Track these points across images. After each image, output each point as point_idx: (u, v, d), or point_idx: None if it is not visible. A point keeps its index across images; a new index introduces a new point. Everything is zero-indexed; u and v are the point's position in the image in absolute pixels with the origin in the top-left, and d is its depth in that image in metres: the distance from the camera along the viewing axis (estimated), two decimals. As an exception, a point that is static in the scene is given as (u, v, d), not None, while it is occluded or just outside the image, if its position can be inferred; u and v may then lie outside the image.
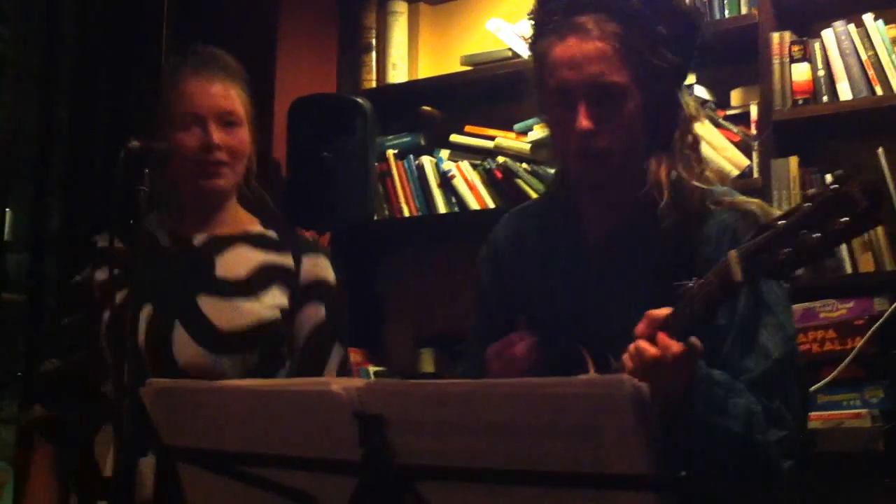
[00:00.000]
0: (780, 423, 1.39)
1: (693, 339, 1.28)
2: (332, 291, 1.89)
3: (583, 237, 1.58)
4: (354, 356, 3.11)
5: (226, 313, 1.77)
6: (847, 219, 1.10)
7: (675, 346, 1.26)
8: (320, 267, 1.88)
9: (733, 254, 1.22)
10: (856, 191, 1.10)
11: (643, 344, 1.28)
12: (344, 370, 1.87)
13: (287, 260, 1.85)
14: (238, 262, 1.83)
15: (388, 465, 1.11)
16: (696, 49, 1.54)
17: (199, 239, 1.85)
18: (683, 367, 1.28)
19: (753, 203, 1.49)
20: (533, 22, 1.55)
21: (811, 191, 1.16)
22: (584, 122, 1.44)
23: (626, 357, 1.30)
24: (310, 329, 1.84)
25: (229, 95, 1.81)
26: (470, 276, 3.28)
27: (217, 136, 1.77)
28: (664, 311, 1.29)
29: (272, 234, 1.89)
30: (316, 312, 1.85)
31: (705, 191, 1.50)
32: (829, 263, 2.53)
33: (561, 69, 1.47)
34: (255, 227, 1.89)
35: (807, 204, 1.14)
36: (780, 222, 1.17)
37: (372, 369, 3.15)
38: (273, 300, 1.80)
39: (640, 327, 1.30)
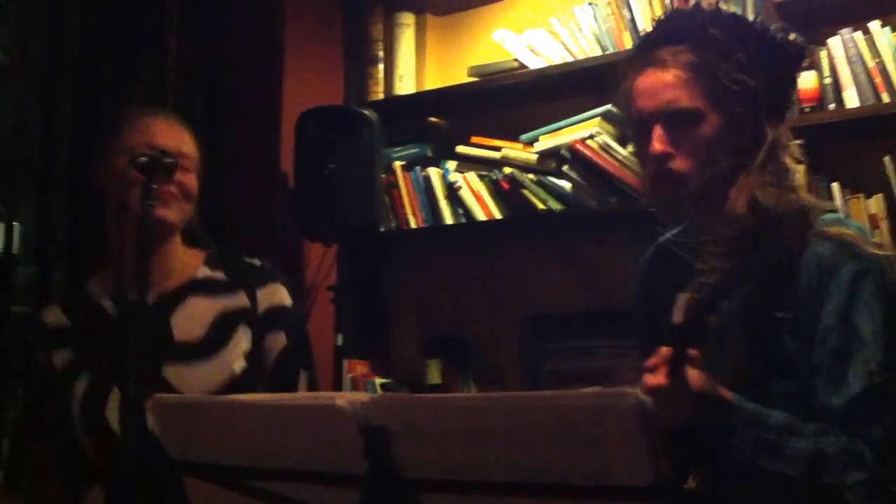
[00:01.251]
0: (862, 465, 1.33)
1: (688, 372, 1.27)
2: (291, 317, 1.88)
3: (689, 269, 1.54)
4: (361, 368, 3.13)
5: (193, 380, 1.74)
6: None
7: (655, 381, 1.27)
8: (277, 295, 1.86)
9: (683, 295, 1.25)
10: None
11: (646, 375, 1.30)
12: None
13: (242, 300, 1.83)
14: (193, 318, 1.80)
15: (394, 477, 1.11)
16: (788, 77, 1.57)
17: (151, 297, 1.77)
18: (678, 400, 1.27)
19: (849, 233, 1.46)
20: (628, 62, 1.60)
21: None
22: (656, 146, 1.48)
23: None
24: (274, 358, 1.83)
25: (186, 141, 1.83)
26: (477, 287, 3.31)
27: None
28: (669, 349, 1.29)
29: (220, 275, 1.87)
30: (277, 340, 1.84)
31: (805, 218, 1.48)
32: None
33: (639, 99, 1.53)
34: (202, 270, 1.87)
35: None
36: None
37: (378, 381, 3.15)
38: (237, 350, 1.78)
39: (650, 360, 1.31)
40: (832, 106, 2.64)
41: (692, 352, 1.29)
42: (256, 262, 1.91)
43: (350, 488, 1.14)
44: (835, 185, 2.61)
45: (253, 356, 1.79)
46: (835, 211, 1.62)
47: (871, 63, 2.60)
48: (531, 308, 3.19)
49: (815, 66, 2.67)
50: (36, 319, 1.93)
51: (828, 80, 2.65)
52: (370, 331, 3.39)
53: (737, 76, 1.47)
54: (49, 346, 1.84)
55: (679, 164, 1.49)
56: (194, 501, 1.31)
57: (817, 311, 1.39)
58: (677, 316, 1.24)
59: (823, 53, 2.67)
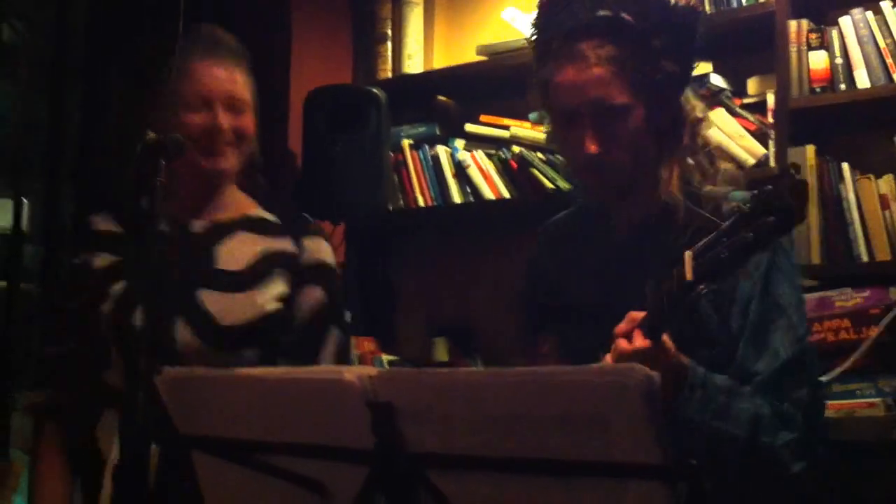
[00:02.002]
0: (790, 425, 1.43)
1: (664, 338, 1.33)
2: (333, 275, 1.88)
3: (609, 237, 1.65)
4: (368, 345, 3.13)
5: (227, 308, 1.75)
6: (773, 218, 1.14)
7: (643, 343, 1.32)
8: (321, 251, 1.87)
9: (688, 253, 1.27)
10: (784, 190, 1.14)
11: (621, 341, 1.34)
12: (342, 355, 1.86)
13: (288, 245, 1.84)
14: (239, 251, 1.82)
15: (400, 453, 1.11)
16: (696, 50, 1.60)
17: (198, 226, 1.83)
18: (655, 364, 1.27)
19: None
20: (533, 47, 1.65)
21: (755, 191, 1.19)
22: (591, 147, 1.53)
23: (608, 355, 1.37)
24: (307, 311, 1.83)
25: (237, 80, 1.80)
26: (484, 266, 3.31)
27: (224, 119, 1.76)
28: (642, 313, 1.35)
29: (272, 217, 1.88)
30: (314, 295, 1.84)
31: (719, 196, 1.55)
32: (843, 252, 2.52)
33: (564, 95, 1.56)
34: (255, 210, 1.88)
35: (746, 205, 1.18)
36: (724, 224, 1.22)
37: (385, 358, 3.16)
38: (275, 290, 1.79)
39: (621, 326, 1.36)
40: (843, 86, 2.62)
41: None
42: (308, 217, 1.95)
43: (357, 463, 1.15)
44: (845, 166, 2.59)
45: (288, 300, 1.80)
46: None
47: (882, 43, 2.58)
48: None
49: (826, 46, 2.65)
50: (81, 225, 1.93)
51: (839, 61, 2.64)
52: (378, 308, 3.40)
53: (659, 65, 1.53)
54: (91, 249, 1.85)
55: (611, 157, 1.54)
56: (202, 475, 1.32)
57: (736, 282, 1.45)
58: (688, 273, 1.25)
59: (835, 33, 2.65)
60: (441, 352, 3.21)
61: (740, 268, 1.22)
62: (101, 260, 1.83)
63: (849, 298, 2.37)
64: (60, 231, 3.14)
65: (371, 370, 1.12)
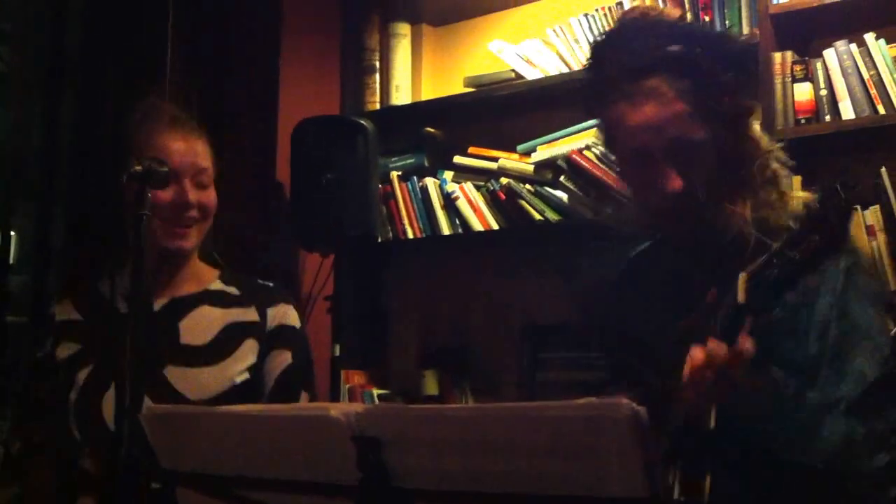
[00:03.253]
0: (886, 446, 1.37)
1: (741, 340, 1.26)
2: (299, 338, 1.88)
3: (680, 271, 1.59)
4: (358, 378, 3.12)
5: (194, 383, 1.75)
6: (817, 237, 1.14)
7: (721, 348, 1.26)
8: (286, 315, 1.87)
9: (743, 275, 1.24)
10: (829, 209, 1.14)
11: (695, 350, 1.29)
12: None
13: (251, 314, 1.84)
14: (202, 325, 1.81)
15: (387, 487, 1.11)
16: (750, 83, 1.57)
17: (159, 303, 1.83)
18: (730, 368, 1.27)
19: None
20: (594, 88, 1.57)
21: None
22: (677, 184, 1.48)
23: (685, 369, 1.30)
24: (277, 375, 1.83)
25: (203, 154, 1.82)
26: (475, 297, 3.30)
27: (192, 194, 1.77)
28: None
29: (233, 289, 1.88)
30: (282, 358, 1.84)
31: (786, 227, 1.48)
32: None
33: (640, 134, 1.49)
34: (216, 283, 1.89)
35: (794, 224, 1.20)
36: (775, 245, 1.21)
37: (375, 392, 3.14)
38: (243, 362, 1.79)
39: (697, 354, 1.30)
40: (828, 118, 2.64)
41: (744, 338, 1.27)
42: (270, 284, 1.94)
43: (343, 498, 1.14)
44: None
45: (257, 370, 1.80)
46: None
47: (866, 75, 2.60)
48: (528, 318, 3.18)
49: (810, 77, 2.67)
50: (45, 312, 1.93)
51: (823, 92, 2.66)
52: (368, 341, 3.39)
53: (729, 98, 1.50)
54: (56, 338, 1.85)
55: (688, 192, 1.48)
56: (186, 512, 1.31)
57: (812, 308, 1.40)
58: (741, 296, 1.23)
59: (819, 65, 2.67)
60: (431, 384, 3.20)
61: (791, 289, 1.21)
62: (64, 349, 1.83)
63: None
64: (48, 260, 3.12)
65: (357, 406, 1.12)
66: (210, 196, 1.82)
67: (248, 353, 1.80)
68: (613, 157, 1.66)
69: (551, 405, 1.00)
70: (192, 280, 1.86)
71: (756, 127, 1.60)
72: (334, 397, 2.86)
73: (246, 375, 1.79)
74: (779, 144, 1.60)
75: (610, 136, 1.58)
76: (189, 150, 1.80)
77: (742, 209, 1.50)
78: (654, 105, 1.48)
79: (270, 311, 1.85)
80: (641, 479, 0.96)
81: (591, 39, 3.04)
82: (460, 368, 3.24)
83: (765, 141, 1.57)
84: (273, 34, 3.33)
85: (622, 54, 1.53)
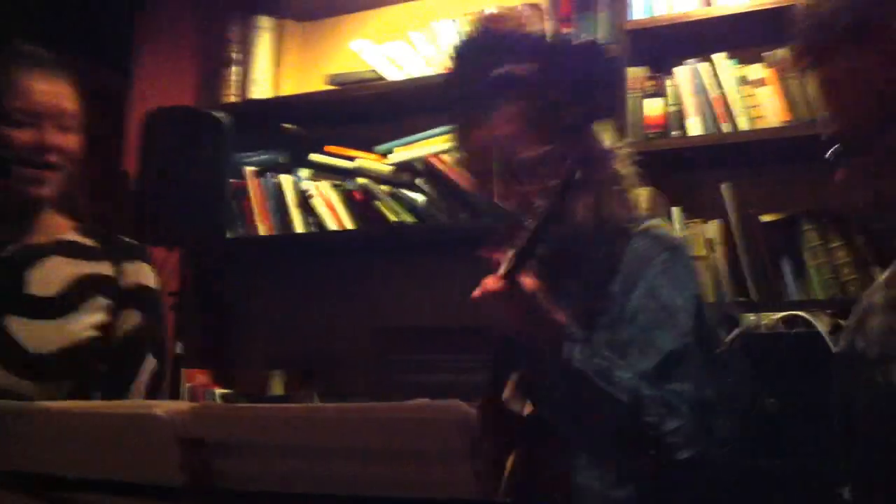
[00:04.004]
0: (675, 413, 1.47)
1: (524, 279, 1.42)
2: (154, 299, 1.83)
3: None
4: (201, 377, 3.03)
5: (36, 336, 1.67)
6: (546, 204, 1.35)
7: (494, 283, 1.42)
8: (142, 274, 1.81)
9: (511, 251, 1.41)
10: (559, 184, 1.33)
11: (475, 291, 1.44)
12: (155, 383, 1.79)
13: (105, 269, 1.77)
14: (51, 276, 1.73)
15: (212, 491, 1.07)
16: (599, 83, 1.65)
17: (8, 249, 1.75)
18: (514, 303, 1.42)
19: (663, 228, 1.68)
20: (447, 99, 1.70)
21: None
22: (512, 198, 1.59)
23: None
24: (123, 337, 1.76)
25: (68, 96, 1.73)
26: (327, 297, 3.26)
27: (51, 136, 1.69)
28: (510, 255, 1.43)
29: (89, 241, 1.81)
30: (131, 319, 1.77)
31: (628, 222, 1.65)
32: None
33: (481, 153, 1.61)
34: (71, 234, 1.81)
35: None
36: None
37: (219, 391, 3.06)
38: (91, 317, 1.72)
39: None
40: (676, 133, 2.73)
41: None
42: (133, 241, 1.88)
43: (167, 501, 1.09)
44: (676, 210, 2.69)
45: (107, 328, 1.73)
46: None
47: (714, 93, 2.70)
48: (381, 320, 3.17)
49: (661, 93, 2.76)
50: None
51: (673, 108, 2.74)
52: (214, 339, 3.30)
53: (563, 110, 1.59)
54: None
55: (533, 199, 1.54)
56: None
57: (629, 296, 1.54)
58: (530, 222, 1.38)
59: (670, 82, 2.76)
60: (277, 385, 3.14)
61: (533, 249, 1.39)
62: None
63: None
64: None
65: (184, 405, 1.08)
66: (72, 141, 1.73)
67: (97, 309, 1.73)
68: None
69: (382, 407, 0.99)
70: (46, 229, 1.78)
71: (597, 126, 1.66)
72: (174, 396, 2.76)
73: (93, 332, 1.71)
74: (623, 144, 1.71)
75: (466, 151, 1.69)
76: (51, 91, 1.71)
77: (584, 211, 1.60)
78: (486, 128, 1.60)
79: (126, 268, 1.78)
80: (473, 481, 0.95)
81: (450, 46, 3.06)
82: (310, 370, 3.19)
83: (608, 140, 1.66)
84: (128, 20, 3.21)
85: (467, 72, 1.63)
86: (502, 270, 1.42)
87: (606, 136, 1.67)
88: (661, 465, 1.49)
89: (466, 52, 1.67)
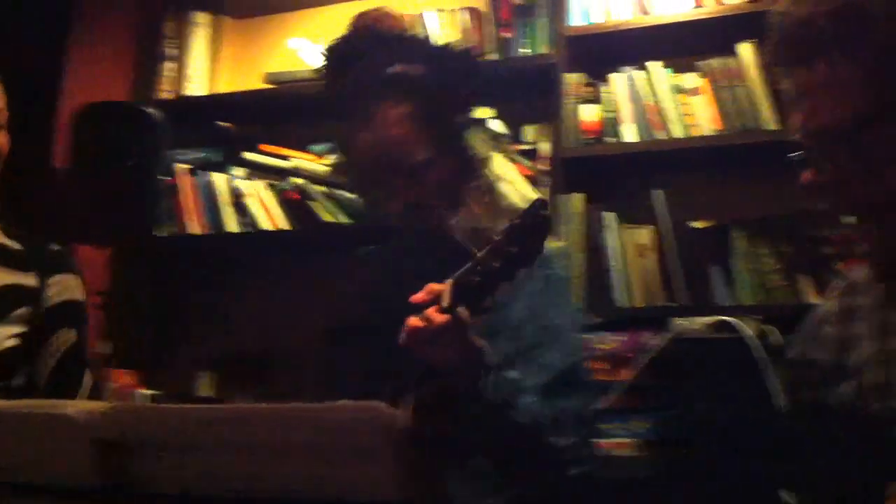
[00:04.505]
0: (566, 431, 1.51)
1: (460, 310, 1.35)
2: (82, 313, 1.79)
3: (400, 279, 1.65)
4: (126, 378, 2.98)
5: None
6: (515, 249, 1.24)
7: (440, 318, 1.34)
8: (69, 288, 1.76)
9: (450, 280, 1.34)
10: (528, 223, 1.23)
11: (412, 317, 1.37)
12: (96, 396, 1.78)
13: (30, 280, 1.72)
14: None
15: (127, 493, 1.04)
16: (475, 93, 1.66)
17: None
18: (451, 336, 1.36)
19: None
20: (330, 101, 1.66)
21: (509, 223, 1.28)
22: (407, 198, 1.57)
23: (402, 333, 1.39)
24: (60, 356, 1.72)
25: None
26: (260, 298, 3.22)
27: None
28: (444, 286, 1.37)
29: (16, 245, 1.76)
30: (67, 337, 1.73)
31: (492, 229, 1.59)
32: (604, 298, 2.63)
33: (368, 154, 1.58)
34: None
35: (495, 237, 1.27)
36: (479, 253, 1.30)
37: (146, 392, 3.00)
38: (11, 328, 1.67)
39: (416, 296, 1.39)
40: (612, 139, 2.75)
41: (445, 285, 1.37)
42: (56, 247, 1.81)
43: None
44: (610, 215, 2.71)
45: (27, 341, 1.68)
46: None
47: (648, 101, 2.73)
48: (314, 320, 3.13)
49: (598, 99, 2.78)
50: None
51: (609, 114, 2.77)
52: (142, 339, 3.24)
53: (452, 114, 1.61)
54: None
55: (422, 201, 1.58)
56: None
57: (510, 310, 1.51)
58: (445, 300, 1.32)
59: (606, 88, 2.78)
60: (207, 386, 3.09)
61: (490, 294, 1.31)
62: None
63: (608, 342, 2.47)
64: None
65: (99, 405, 1.05)
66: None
67: (19, 319, 1.68)
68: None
69: (305, 408, 0.97)
70: None
71: (472, 134, 1.68)
72: (96, 397, 2.71)
73: (14, 342, 1.66)
74: (494, 152, 1.73)
75: (345, 148, 1.68)
76: None
77: (462, 215, 1.61)
78: (376, 128, 1.57)
79: (52, 281, 1.73)
80: (397, 484, 0.94)
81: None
82: (241, 371, 3.15)
83: (484, 148, 1.68)
84: (63, 13, 3.14)
85: (351, 72, 1.59)
86: (445, 302, 1.36)
87: (479, 145, 1.67)
88: (552, 482, 1.52)
89: (353, 51, 1.63)
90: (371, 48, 1.62)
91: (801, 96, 1.08)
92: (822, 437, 1.15)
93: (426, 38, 1.73)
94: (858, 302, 1.19)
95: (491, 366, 1.44)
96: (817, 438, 1.16)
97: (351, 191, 1.80)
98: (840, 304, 1.21)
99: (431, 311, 1.35)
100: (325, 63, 1.67)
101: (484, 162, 1.68)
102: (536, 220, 1.25)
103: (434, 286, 1.39)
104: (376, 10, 1.70)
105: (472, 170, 1.66)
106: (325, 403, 0.93)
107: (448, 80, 1.61)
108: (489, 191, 1.71)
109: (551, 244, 1.62)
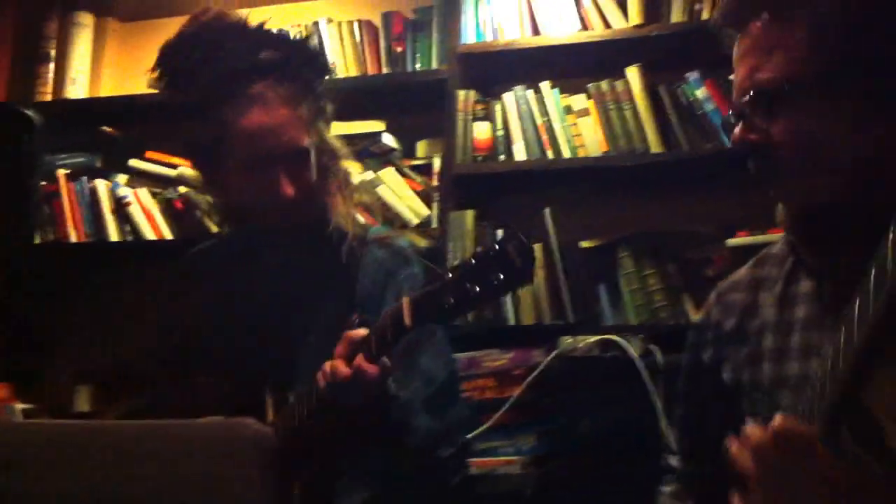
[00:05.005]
0: (450, 440, 1.55)
1: (384, 360, 1.35)
2: None
3: (263, 274, 1.63)
4: (2, 392, 2.84)
5: None
6: (503, 276, 1.21)
7: (370, 367, 1.33)
8: None
9: (406, 300, 1.31)
10: (512, 252, 1.20)
11: (338, 363, 1.34)
12: None
13: None
14: None
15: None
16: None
17: None
18: (373, 385, 1.35)
19: (404, 240, 1.66)
20: (192, 99, 1.57)
21: (479, 248, 1.26)
22: (288, 190, 1.52)
23: (319, 375, 1.36)
24: None
25: None
26: (142, 309, 3.12)
27: None
28: (362, 332, 1.36)
29: None
30: None
31: (365, 228, 1.65)
32: (493, 314, 2.64)
33: (256, 139, 1.51)
34: None
35: (472, 260, 1.25)
36: (449, 275, 1.27)
37: (19, 406, 2.87)
38: None
39: (339, 348, 1.36)
40: (502, 157, 2.77)
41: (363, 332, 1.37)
42: None
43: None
44: (500, 232, 2.72)
45: None
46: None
47: (539, 120, 2.75)
48: (189, 330, 3.05)
49: (490, 117, 2.79)
50: None
51: (500, 133, 2.78)
52: (17, 351, 3.09)
53: (322, 106, 1.60)
54: None
55: (299, 196, 1.54)
56: None
57: (377, 309, 1.46)
58: (407, 318, 1.30)
59: (498, 107, 2.80)
60: (83, 401, 2.97)
61: (459, 317, 1.30)
62: None
63: (495, 359, 2.47)
64: None
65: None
66: None
67: None
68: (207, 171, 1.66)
69: (175, 424, 0.94)
70: None
71: (330, 131, 1.68)
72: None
73: None
74: (347, 149, 1.71)
75: (215, 148, 1.56)
76: None
77: (341, 205, 1.61)
78: (263, 110, 1.52)
79: None
80: (264, 500, 0.91)
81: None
82: (121, 384, 3.04)
83: (338, 144, 1.67)
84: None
85: (217, 62, 1.53)
86: (373, 351, 1.35)
87: (335, 141, 1.66)
88: (434, 488, 1.55)
89: (210, 45, 1.57)
90: (233, 37, 1.57)
91: (742, 55, 1.09)
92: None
93: (279, 30, 1.70)
94: (766, 273, 1.21)
95: (394, 399, 1.43)
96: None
97: (210, 190, 1.71)
98: (750, 274, 1.25)
99: (360, 360, 1.33)
100: (172, 63, 1.62)
101: (340, 155, 1.66)
102: (521, 245, 1.22)
103: (351, 334, 1.36)
104: (213, 9, 1.64)
105: (336, 166, 1.64)
106: (197, 420, 0.90)
107: (311, 68, 1.59)
108: (349, 184, 1.68)
109: (418, 242, 1.64)
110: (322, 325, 1.49)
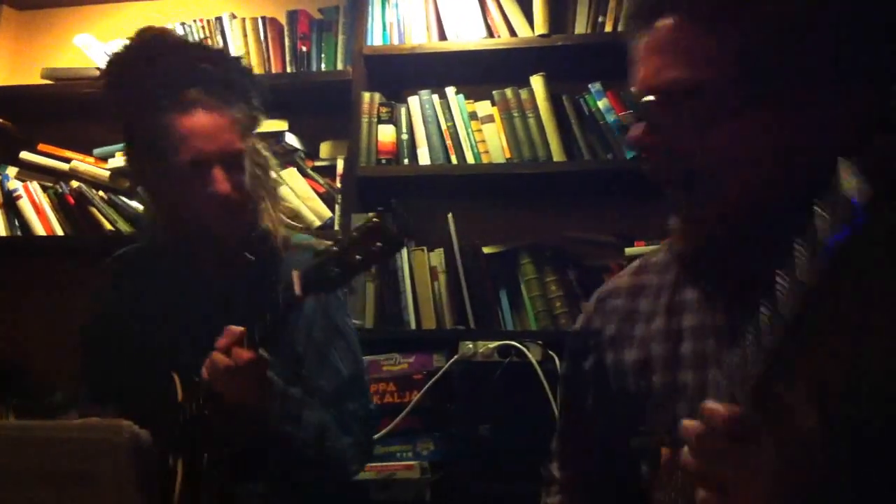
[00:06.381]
0: (349, 432, 1.63)
1: (262, 351, 1.45)
2: None
3: (188, 278, 1.70)
4: None
5: None
6: (380, 244, 1.31)
7: (247, 354, 1.43)
8: None
9: (296, 272, 1.41)
10: (389, 222, 1.32)
11: (217, 354, 1.44)
12: None
13: None
14: None
15: None
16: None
17: None
18: (254, 374, 1.45)
19: (326, 243, 1.65)
20: (131, 105, 1.65)
21: (359, 223, 1.37)
22: (223, 187, 1.61)
23: (203, 368, 1.45)
24: None
25: None
26: (31, 306, 3.00)
27: None
28: (241, 328, 1.45)
29: None
30: None
31: (288, 236, 1.73)
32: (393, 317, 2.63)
33: (193, 141, 1.60)
34: None
35: (354, 232, 1.35)
36: (333, 248, 1.37)
37: None
38: None
39: (221, 341, 1.45)
40: (407, 161, 2.76)
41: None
42: None
43: None
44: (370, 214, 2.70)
45: None
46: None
47: (444, 125, 2.75)
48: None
49: (395, 121, 2.78)
50: None
51: (405, 136, 2.77)
52: None
53: (253, 113, 1.69)
54: None
55: (235, 197, 1.63)
56: None
57: (300, 309, 1.55)
58: (297, 287, 1.40)
59: (403, 110, 2.78)
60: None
61: (346, 285, 1.40)
62: None
63: (396, 363, 2.46)
64: None
65: None
66: None
67: None
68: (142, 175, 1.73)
69: (50, 425, 0.90)
70: None
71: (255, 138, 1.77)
72: None
73: None
74: (276, 160, 1.81)
75: (153, 151, 1.63)
76: None
77: (267, 217, 1.70)
78: (201, 113, 1.62)
79: None
80: (140, 501, 0.88)
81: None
82: (8, 381, 2.93)
83: (269, 154, 1.77)
84: None
85: (159, 70, 1.63)
86: (255, 338, 1.44)
87: (263, 147, 1.75)
88: (338, 480, 1.64)
89: (150, 55, 1.65)
90: (175, 50, 1.67)
91: (649, 53, 1.07)
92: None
93: (218, 48, 1.84)
94: (648, 280, 1.21)
95: (278, 394, 1.52)
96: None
97: (146, 191, 1.74)
98: (630, 281, 1.24)
99: (238, 350, 1.43)
100: (116, 64, 1.69)
101: (268, 162, 1.75)
102: (400, 217, 1.34)
103: (233, 328, 1.45)
104: (157, 27, 1.75)
105: (265, 174, 1.74)
106: (73, 421, 0.86)
107: (247, 80, 1.71)
108: (277, 190, 1.78)
109: (324, 244, 1.67)
110: (239, 322, 1.51)
